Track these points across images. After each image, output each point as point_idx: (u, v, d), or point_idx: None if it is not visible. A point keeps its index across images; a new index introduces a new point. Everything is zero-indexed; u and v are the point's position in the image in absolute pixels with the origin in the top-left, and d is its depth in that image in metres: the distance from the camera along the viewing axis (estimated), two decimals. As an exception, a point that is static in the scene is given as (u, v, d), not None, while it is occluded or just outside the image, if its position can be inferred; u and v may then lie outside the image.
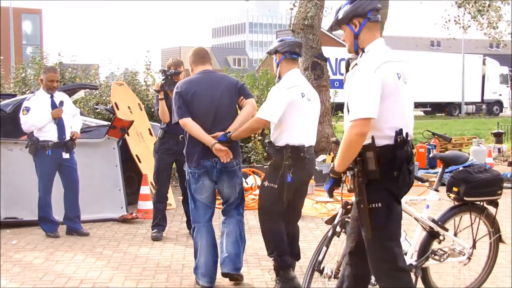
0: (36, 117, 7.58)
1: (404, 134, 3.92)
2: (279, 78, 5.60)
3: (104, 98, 14.27)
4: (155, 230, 7.60)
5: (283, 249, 5.50)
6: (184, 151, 5.69)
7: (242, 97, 5.70)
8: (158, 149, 7.59)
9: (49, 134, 7.65)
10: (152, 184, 9.11)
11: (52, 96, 7.81)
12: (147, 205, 8.68)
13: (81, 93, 11.78)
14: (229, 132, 5.43)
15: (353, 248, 4.09)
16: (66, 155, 7.75)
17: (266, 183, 5.53)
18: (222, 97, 5.59)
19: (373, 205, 3.89)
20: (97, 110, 13.35)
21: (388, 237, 3.92)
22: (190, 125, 5.50)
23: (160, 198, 7.64)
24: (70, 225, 7.86)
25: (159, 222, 7.62)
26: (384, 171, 3.86)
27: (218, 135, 5.44)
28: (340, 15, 4.07)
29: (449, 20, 17.81)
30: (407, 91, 4.04)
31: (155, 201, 7.67)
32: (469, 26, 17.22)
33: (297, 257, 5.77)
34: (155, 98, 7.90)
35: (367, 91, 3.77)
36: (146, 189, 8.89)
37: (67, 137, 7.77)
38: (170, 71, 7.45)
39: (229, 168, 5.56)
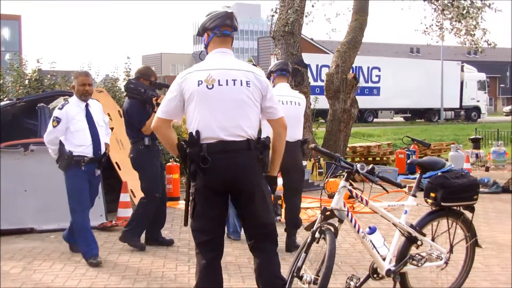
0: (62, 130, 6.65)
1: (200, 135, 4.25)
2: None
3: (83, 105, 14.17)
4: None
5: None
6: None
7: None
8: (148, 157, 7.31)
9: (84, 148, 6.71)
10: (132, 191, 9.09)
11: (87, 105, 6.90)
12: (127, 212, 8.63)
13: (60, 100, 11.69)
14: None
15: None
16: (98, 172, 6.95)
17: None
18: None
19: (190, 198, 4.39)
20: (77, 117, 13.26)
21: (192, 228, 4.40)
22: None
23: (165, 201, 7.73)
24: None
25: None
26: (185, 168, 4.36)
27: None
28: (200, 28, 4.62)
29: (431, 26, 17.99)
30: (213, 96, 4.30)
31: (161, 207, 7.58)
32: (452, 29, 17.37)
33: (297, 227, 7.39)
34: (139, 107, 7.34)
35: (166, 97, 4.41)
36: (126, 197, 8.85)
37: (102, 151, 6.92)
38: (159, 82, 7.56)
39: None
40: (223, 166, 4.25)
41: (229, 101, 4.31)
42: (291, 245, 7.24)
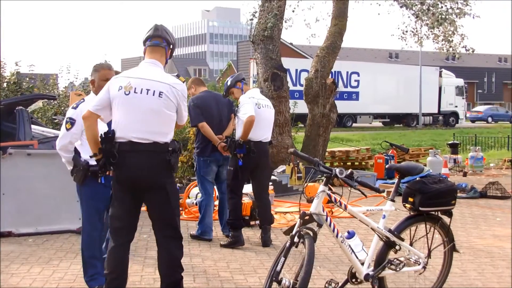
0: (78, 133, 5.58)
1: (114, 134, 4.79)
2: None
3: (62, 108, 14.14)
4: None
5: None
6: (196, 145, 8.13)
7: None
8: None
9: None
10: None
11: None
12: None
13: (39, 103, 11.66)
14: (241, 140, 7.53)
15: None
16: None
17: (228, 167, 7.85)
18: (222, 109, 8.08)
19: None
20: (56, 121, 13.21)
21: (109, 214, 5.04)
22: (205, 127, 7.84)
23: None
24: None
25: None
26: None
27: (221, 138, 7.85)
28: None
29: (406, 31, 18.08)
30: (128, 102, 4.81)
31: None
32: (427, 37, 17.49)
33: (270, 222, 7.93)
34: None
35: (99, 94, 4.99)
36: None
37: None
38: None
39: (227, 158, 7.91)
40: (129, 164, 4.79)
41: (141, 108, 4.80)
42: (267, 241, 7.77)
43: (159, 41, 4.98)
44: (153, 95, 4.81)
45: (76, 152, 5.61)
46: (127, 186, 4.86)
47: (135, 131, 4.77)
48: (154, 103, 4.80)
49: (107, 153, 4.80)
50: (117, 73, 6.56)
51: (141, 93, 4.81)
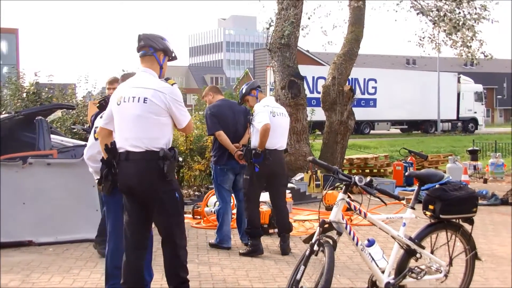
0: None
1: (117, 147, 4.95)
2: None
3: (81, 118, 14.22)
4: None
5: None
6: (212, 153, 8.15)
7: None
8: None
9: None
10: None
11: None
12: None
13: (58, 113, 11.74)
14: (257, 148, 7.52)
15: None
16: None
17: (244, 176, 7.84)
18: (239, 118, 8.06)
19: None
20: (74, 130, 13.29)
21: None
22: (222, 136, 7.84)
23: None
24: None
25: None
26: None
27: (238, 146, 7.85)
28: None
29: (424, 38, 17.97)
30: (120, 112, 4.97)
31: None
32: (445, 43, 17.37)
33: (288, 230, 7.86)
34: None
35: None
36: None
37: None
38: (104, 100, 7.18)
39: (244, 166, 7.84)
40: (124, 173, 4.92)
41: (128, 116, 4.93)
42: (286, 249, 7.74)
43: (145, 50, 5.09)
44: (138, 101, 4.91)
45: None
46: (128, 194, 5.01)
47: (128, 140, 4.90)
48: (139, 109, 4.89)
49: (107, 164, 5.01)
50: None
51: (128, 101, 4.95)
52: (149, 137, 4.87)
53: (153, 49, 5.07)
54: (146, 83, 4.98)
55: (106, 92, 7.81)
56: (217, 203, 8.40)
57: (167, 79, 5.06)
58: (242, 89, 8.11)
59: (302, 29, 15.70)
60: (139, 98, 4.91)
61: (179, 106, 5.00)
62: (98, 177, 5.43)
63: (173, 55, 5.23)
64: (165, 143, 4.93)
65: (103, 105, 6.90)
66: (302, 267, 4.68)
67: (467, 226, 5.46)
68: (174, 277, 5.11)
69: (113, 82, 7.57)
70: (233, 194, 8.33)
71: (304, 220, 9.90)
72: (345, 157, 15.61)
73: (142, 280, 5.14)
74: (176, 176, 4.99)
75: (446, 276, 5.38)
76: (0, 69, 50.64)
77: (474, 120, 45.62)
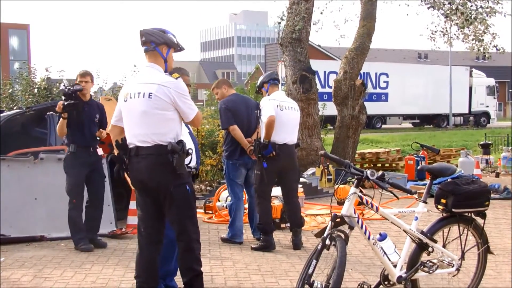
0: None
1: (127, 142, 5.01)
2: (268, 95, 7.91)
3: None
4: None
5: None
6: (224, 148, 8.09)
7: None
8: (73, 164, 7.71)
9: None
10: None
11: None
12: (136, 220, 8.60)
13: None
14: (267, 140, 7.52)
15: None
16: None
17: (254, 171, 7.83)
18: (252, 113, 8.01)
19: None
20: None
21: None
22: (236, 130, 7.81)
23: (80, 210, 7.83)
24: None
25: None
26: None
27: (251, 141, 7.79)
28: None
29: (436, 32, 17.86)
30: (127, 108, 5.02)
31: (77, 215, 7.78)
32: (457, 36, 17.26)
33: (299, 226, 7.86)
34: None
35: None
36: (135, 204, 8.82)
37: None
38: (69, 88, 7.63)
39: (256, 161, 7.76)
40: (135, 168, 4.98)
41: (135, 112, 4.96)
42: (298, 243, 7.76)
43: (147, 45, 5.10)
44: (143, 97, 4.94)
45: None
46: (141, 189, 5.07)
47: (137, 136, 4.95)
48: (144, 105, 4.92)
49: (118, 159, 5.09)
50: None
51: (134, 97, 4.99)
52: (156, 133, 4.90)
53: (154, 44, 5.07)
54: (150, 78, 5.01)
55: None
56: (229, 198, 8.41)
57: (171, 73, 5.05)
58: (259, 80, 8.18)
59: (314, 24, 15.67)
60: (144, 93, 4.94)
61: (185, 100, 4.98)
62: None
63: (179, 46, 5.22)
64: (173, 137, 4.92)
65: (68, 94, 7.53)
66: (314, 262, 4.67)
67: (479, 220, 5.44)
68: (188, 270, 5.10)
69: (85, 75, 7.84)
70: (244, 190, 8.32)
71: (316, 214, 9.89)
72: (357, 151, 15.57)
73: (156, 275, 5.14)
74: (186, 169, 4.92)
75: (458, 270, 5.35)
76: (12, 64, 50.90)
77: (486, 114, 45.42)
